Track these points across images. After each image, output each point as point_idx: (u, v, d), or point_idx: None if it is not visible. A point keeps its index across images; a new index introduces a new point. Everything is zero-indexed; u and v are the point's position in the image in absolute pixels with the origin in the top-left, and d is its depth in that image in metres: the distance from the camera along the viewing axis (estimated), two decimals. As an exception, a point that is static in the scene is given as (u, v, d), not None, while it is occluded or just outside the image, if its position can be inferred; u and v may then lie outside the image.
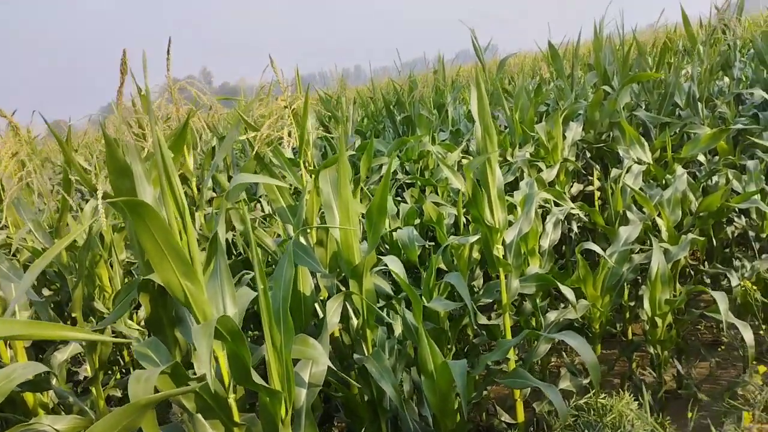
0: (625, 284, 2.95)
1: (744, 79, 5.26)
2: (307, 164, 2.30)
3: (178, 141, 1.73)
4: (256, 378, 1.29)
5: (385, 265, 2.02)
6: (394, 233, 2.91)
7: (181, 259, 1.28)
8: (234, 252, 3.31)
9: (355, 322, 2.07)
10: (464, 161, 4.26)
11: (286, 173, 2.19)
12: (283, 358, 1.36)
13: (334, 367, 1.55)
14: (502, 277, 2.28)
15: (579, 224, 3.69)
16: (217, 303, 1.45)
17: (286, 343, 1.37)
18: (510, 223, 2.38)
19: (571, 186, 3.88)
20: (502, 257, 2.26)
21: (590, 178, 4.18)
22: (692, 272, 3.40)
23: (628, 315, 3.14)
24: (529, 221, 2.37)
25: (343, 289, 2.03)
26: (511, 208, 2.90)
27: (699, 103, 4.03)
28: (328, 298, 1.99)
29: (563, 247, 3.96)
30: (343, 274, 2.00)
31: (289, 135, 2.15)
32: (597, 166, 3.92)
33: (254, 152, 2.13)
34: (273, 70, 2.07)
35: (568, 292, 2.33)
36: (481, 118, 2.13)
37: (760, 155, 3.69)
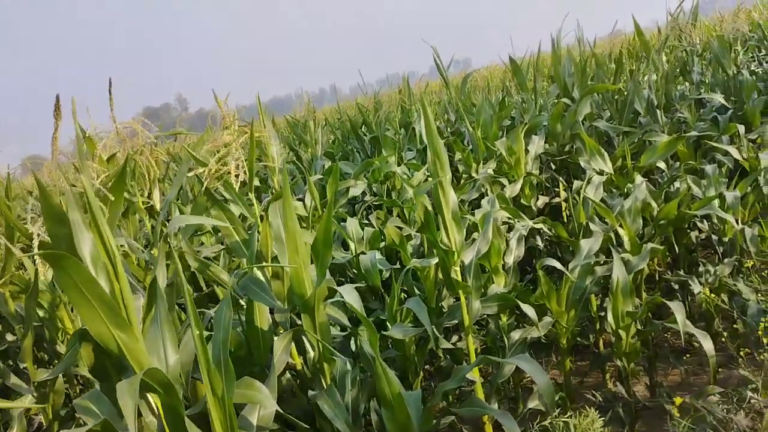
0: (594, 295, 2.96)
1: (705, 82, 5.36)
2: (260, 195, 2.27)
3: (118, 183, 1.70)
4: (193, 429, 1.25)
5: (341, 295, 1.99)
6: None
7: (111, 309, 1.25)
8: (204, 287, 3.27)
9: (312, 354, 2.03)
10: (430, 180, 4.27)
11: (237, 207, 2.16)
12: (226, 404, 1.32)
13: (281, 410, 1.51)
14: (463, 298, 2.27)
15: (546, 238, 3.70)
16: (157, 351, 1.42)
17: (228, 389, 1.33)
18: (474, 241, 2.38)
19: (537, 199, 3.89)
20: (460, 279, 2.25)
21: (557, 190, 4.21)
22: (661, 279, 3.42)
23: (598, 326, 3.15)
24: (487, 241, 2.36)
25: (300, 322, 2.00)
26: (476, 227, 2.90)
27: (657, 110, 4.09)
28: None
29: (534, 261, 3.97)
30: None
31: (238, 168, 2.12)
32: (561, 179, 3.94)
33: (204, 188, 2.10)
34: (217, 104, 2.05)
35: (529, 311, 2.32)
36: (430, 142, 2.13)
37: (719, 159, 3.75)
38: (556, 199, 4.10)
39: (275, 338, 1.65)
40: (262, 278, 2.18)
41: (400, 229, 3.00)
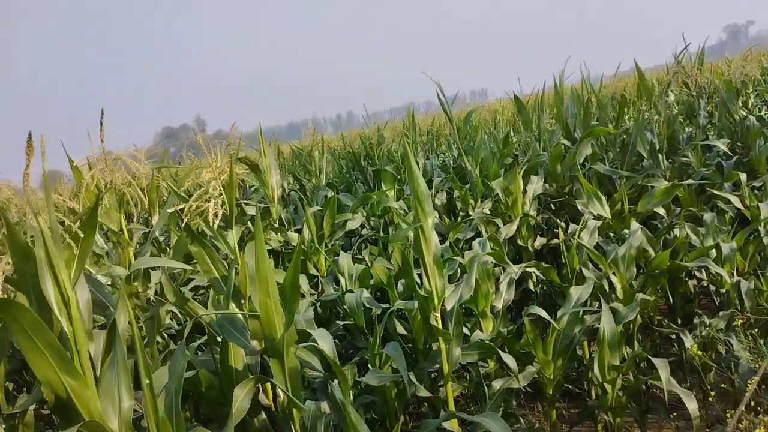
0: (587, 342, 2.89)
1: (713, 125, 5.31)
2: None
3: (89, 220, 1.70)
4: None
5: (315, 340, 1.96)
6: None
7: (60, 356, 1.23)
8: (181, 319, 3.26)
9: (282, 398, 2.00)
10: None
11: (218, 243, 2.15)
12: (175, 455, 1.29)
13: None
14: (443, 345, 2.22)
15: (540, 282, 3.64)
16: (112, 396, 1.39)
17: (178, 438, 1.31)
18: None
19: (535, 240, 3.85)
20: (440, 325, 2.21)
21: (557, 231, 4.15)
22: (658, 328, 3.34)
23: (590, 374, 3.06)
24: (470, 287, 2.32)
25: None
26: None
27: (659, 154, 4.05)
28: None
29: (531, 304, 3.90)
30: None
31: (222, 205, 2.12)
32: (558, 221, 3.90)
33: (184, 224, 2.10)
34: (198, 142, 2.06)
35: (509, 360, 2.27)
36: (412, 187, 2.11)
37: (721, 206, 3.69)
38: (555, 241, 4.05)
39: (237, 386, 1.62)
40: (240, 316, 2.17)
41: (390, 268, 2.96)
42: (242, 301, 2.10)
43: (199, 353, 2.60)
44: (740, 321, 2.67)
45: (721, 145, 3.97)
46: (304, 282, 3.01)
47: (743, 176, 3.76)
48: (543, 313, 2.49)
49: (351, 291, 2.85)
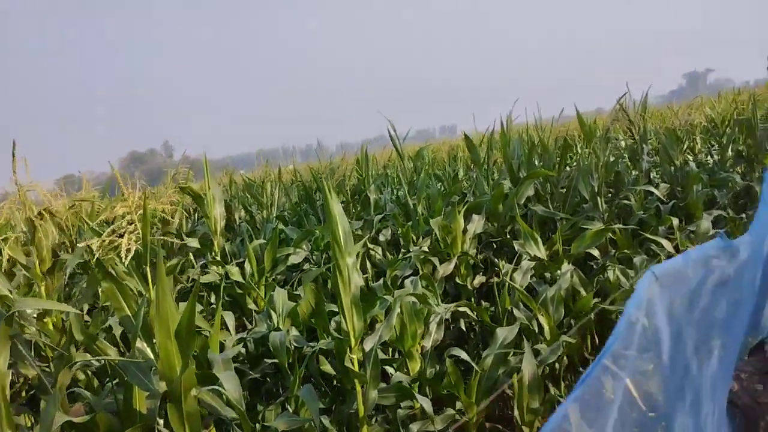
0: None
1: (654, 168, 5.49)
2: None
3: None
4: None
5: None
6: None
7: None
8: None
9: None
10: (372, 252, 4.26)
11: (129, 281, 2.11)
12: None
13: None
14: (359, 388, 2.20)
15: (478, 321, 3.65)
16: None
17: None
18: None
19: (474, 279, 3.87)
20: (357, 367, 2.19)
21: (497, 269, 4.19)
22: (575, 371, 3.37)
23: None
24: (390, 327, 2.31)
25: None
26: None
27: (598, 197, 4.15)
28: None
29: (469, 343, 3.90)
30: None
31: (137, 241, 2.08)
32: (500, 260, 3.94)
33: (95, 259, 2.05)
34: (115, 176, 2.03)
35: (425, 403, 2.25)
36: (330, 227, 2.11)
37: (654, 249, 3.78)
38: (495, 279, 4.08)
39: None
40: (151, 355, 2.12)
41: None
42: (154, 341, 2.05)
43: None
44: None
45: (655, 190, 4.09)
46: (230, 319, 2.97)
47: (675, 221, 3.87)
48: (464, 355, 2.49)
49: (278, 329, 2.81)
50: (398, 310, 2.38)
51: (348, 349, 2.16)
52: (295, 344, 2.70)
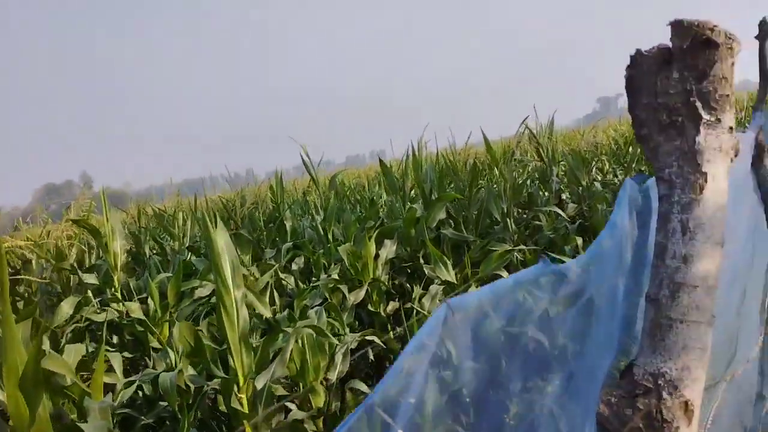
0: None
1: (563, 189, 5.67)
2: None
3: None
4: None
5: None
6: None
7: None
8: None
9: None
10: (285, 281, 4.12)
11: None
12: None
13: None
14: (249, 429, 2.06)
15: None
16: None
17: None
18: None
19: (387, 305, 3.81)
20: (248, 408, 2.06)
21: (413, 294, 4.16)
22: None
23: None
24: (284, 362, 2.20)
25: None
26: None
27: (507, 218, 4.22)
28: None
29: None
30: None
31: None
32: (410, 285, 3.90)
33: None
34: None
35: (321, 442, 2.14)
36: (212, 261, 2.00)
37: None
38: (409, 305, 4.04)
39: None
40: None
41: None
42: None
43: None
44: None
45: (560, 211, 4.20)
46: (117, 360, 2.76)
47: (579, 240, 3.97)
48: (363, 387, 2.40)
49: (171, 369, 2.63)
50: (293, 343, 2.27)
51: (236, 388, 2.03)
52: (191, 384, 2.53)
